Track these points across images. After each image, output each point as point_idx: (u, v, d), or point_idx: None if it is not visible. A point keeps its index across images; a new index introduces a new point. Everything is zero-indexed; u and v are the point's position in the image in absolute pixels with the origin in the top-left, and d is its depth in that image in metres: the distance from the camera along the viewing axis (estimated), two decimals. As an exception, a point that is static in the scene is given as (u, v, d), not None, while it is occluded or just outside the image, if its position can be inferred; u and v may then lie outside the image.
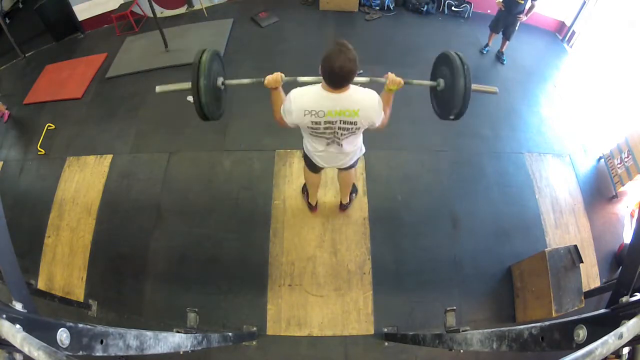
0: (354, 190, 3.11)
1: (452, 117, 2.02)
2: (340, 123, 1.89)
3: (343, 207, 3.13)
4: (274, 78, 1.91)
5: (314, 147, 2.15)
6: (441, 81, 2.03)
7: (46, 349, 0.69)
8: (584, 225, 3.26)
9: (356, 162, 2.44)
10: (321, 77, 1.78)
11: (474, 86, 1.91)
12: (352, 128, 1.92)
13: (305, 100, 1.84)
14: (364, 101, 1.85)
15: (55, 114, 4.18)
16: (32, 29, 5.19)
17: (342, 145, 2.06)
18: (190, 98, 1.86)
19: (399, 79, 1.92)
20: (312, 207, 3.13)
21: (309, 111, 1.84)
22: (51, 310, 2.74)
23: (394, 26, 4.92)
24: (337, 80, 1.72)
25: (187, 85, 1.85)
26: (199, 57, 1.88)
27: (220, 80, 2.02)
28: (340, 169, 2.71)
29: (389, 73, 1.94)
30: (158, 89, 1.96)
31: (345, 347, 2.72)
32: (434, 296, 2.87)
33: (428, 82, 2.11)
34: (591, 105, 4.07)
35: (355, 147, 2.19)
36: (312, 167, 2.51)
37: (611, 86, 4.14)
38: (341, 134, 1.97)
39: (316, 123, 1.89)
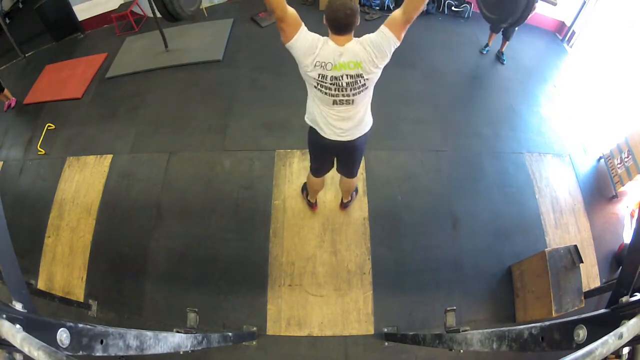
0: (354, 189, 3.12)
1: (505, 24, 1.78)
2: (347, 78, 1.82)
3: (344, 206, 3.14)
4: None
5: (317, 109, 2.02)
6: None
7: (46, 349, 0.69)
8: (584, 225, 3.26)
9: (360, 153, 2.33)
10: None
11: None
12: (359, 82, 1.84)
13: (320, 49, 1.79)
14: (361, 54, 1.78)
15: (55, 114, 4.18)
16: (32, 29, 5.19)
17: (351, 101, 1.93)
18: None
19: None
20: (313, 205, 3.13)
21: (319, 62, 1.79)
22: (51, 310, 2.74)
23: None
24: (340, 23, 1.73)
25: None
26: None
27: None
28: (343, 177, 2.70)
29: None
30: None
31: (345, 347, 2.72)
32: (434, 296, 2.87)
33: None
34: (591, 105, 4.07)
35: (363, 104, 2.01)
36: (316, 158, 2.44)
37: (611, 86, 4.13)
38: (350, 90, 1.88)
39: (323, 76, 1.83)
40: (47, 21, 4.94)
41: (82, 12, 5.08)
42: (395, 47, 1.80)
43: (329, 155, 2.40)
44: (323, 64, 1.80)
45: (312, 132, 2.18)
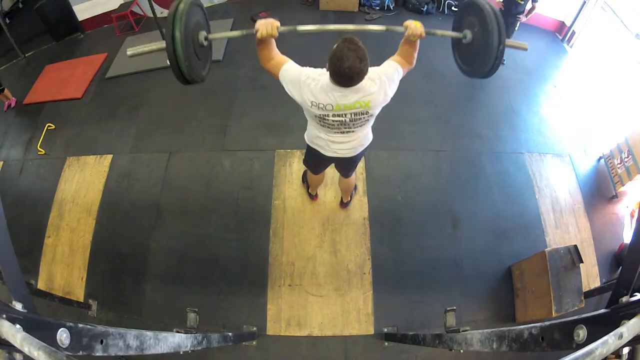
0: (354, 187, 3.12)
1: (481, 76, 1.84)
2: (352, 115, 1.76)
3: (344, 205, 3.14)
4: (268, 28, 1.61)
5: (318, 135, 1.99)
6: (468, 32, 1.77)
7: (46, 349, 0.69)
8: (584, 225, 3.26)
9: (359, 160, 2.35)
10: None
11: (507, 41, 1.67)
12: (364, 117, 1.80)
13: (312, 89, 1.67)
14: (373, 89, 1.69)
15: (55, 114, 4.18)
16: (32, 29, 5.19)
17: (353, 131, 1.91)
18: (168, 61, 1.54)
19: (419, 30, 1.66)
20: (313, 197, 3.14)
21: (316, 104, 1.70)
22: (51, 310, 2.74)
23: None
24: (345, 80, 1.58)
25: (162, 45, 1.54)
26: (174, 7, 1.53)
27: (203, 34, 1.72)
28: (341, 176, 2.72)
29: (409, 21, 1.69)
30: (129, 51, 1.68)
31: (345, 347, 2.72)
32: (434, 296, 2.87)
33: (453, 34, 1.86)
34: (591, 105, 4.07)
35: (366, 130, 2.01)
36: (315, 165, 2.45)
37: (611, 86, 4.13)
38: (352, 125, 1.84)
39: (324, 116, 1.76)
40: (47, 21, 4.95)
41: (82, 12, 5.08)
42: (400, 77, 1.79)
43: (327, 163, 2.44)
44: (322, 106, 1.71)
45: (312, 150, 2.18)
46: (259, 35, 1.62)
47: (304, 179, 3.18)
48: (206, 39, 1.72)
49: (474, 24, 1.74)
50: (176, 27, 1.50)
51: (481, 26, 1.68)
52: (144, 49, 1.63)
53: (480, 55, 1.73)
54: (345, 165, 2.43)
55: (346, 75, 1.54)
